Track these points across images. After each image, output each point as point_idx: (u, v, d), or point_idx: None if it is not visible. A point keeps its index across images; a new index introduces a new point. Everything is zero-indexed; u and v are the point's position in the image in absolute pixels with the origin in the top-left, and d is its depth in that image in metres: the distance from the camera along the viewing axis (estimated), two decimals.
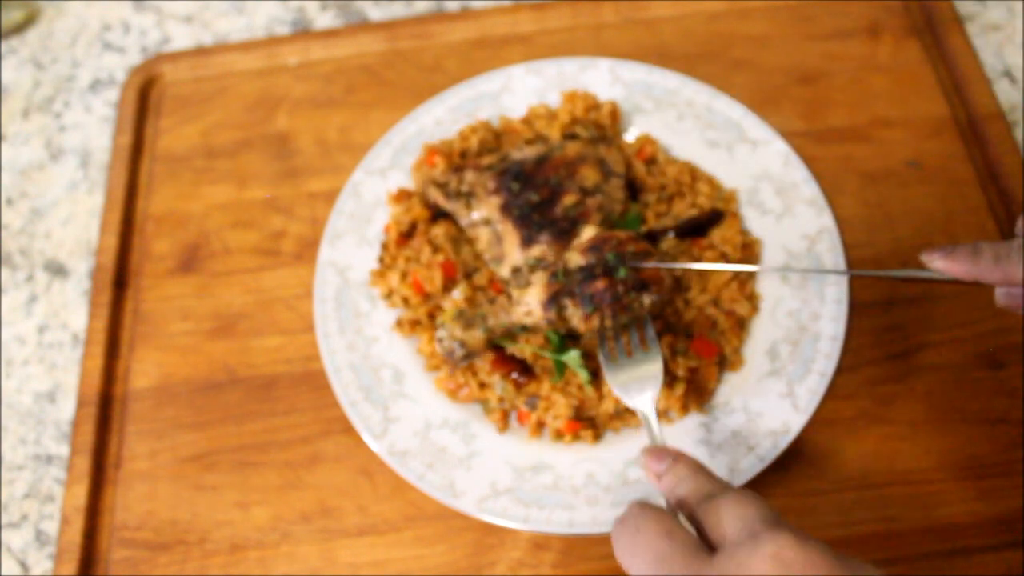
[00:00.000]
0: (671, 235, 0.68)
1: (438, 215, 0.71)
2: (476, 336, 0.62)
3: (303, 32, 0.87)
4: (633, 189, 0.71)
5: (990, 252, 0.48)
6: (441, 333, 0.62)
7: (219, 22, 0.89)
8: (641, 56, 0.79)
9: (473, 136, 0.74)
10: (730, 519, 0.37)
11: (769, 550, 0.34)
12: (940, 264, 0.50)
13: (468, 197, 0.68)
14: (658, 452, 0.45)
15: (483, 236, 0.68)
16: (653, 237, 0.68)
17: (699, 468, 0.43)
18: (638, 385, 0.57)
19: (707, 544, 0.38)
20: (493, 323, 0.62)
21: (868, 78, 0.77)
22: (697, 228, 0.68)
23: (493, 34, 0.83)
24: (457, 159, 0.72)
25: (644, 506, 0.40)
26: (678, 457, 0.44)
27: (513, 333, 0.63)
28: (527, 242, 0.65)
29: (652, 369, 0.57)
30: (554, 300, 0.61)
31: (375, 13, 0.87)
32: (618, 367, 0.57)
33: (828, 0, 0.81)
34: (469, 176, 0.69)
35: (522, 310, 0.62)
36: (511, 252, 0.66)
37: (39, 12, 0.92)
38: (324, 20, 0.88)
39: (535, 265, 0.64)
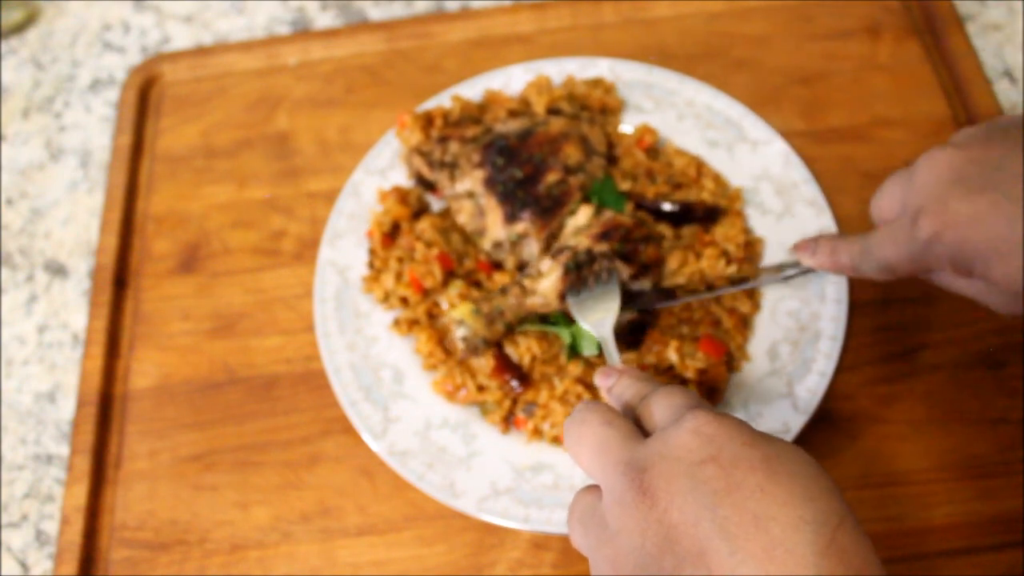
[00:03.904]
0: (667, 207, 0.68)
1: (420, 211, 0.71)
2: (496, 330, 0.63)
3: (303, 32, 0.87)
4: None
5: (845, 251, 0.56)
6: (463, 332, 0.62)
7: (219, 22, 0.89)
8: (641, 56, 0.79)
9: (456, 103, 0.74)
10: (660, 408, 0.42)
11: (690, 426, 0.38)
12: (807, 260, 0.61)
13: (452, 168, 0.68)
14: (607, 370, 0.50)
15: (465, 208, 0.68)
16: (645, 209, 0.69)
17: (641, 376, 0.48)
18: (599, 314, 0.61)
19: (646, 435, 0.42)
20: (511, 316, 0.63)
21: (868, 78, 0.77)
22: (691, 216, 0.69)
23: (493, 34, 0.83)
24: (439, 123, 0.72)
25: (590, 402, 0.44)
26: (623, 371, 0.49)
27: (526, 319, 0.65)
28: (510, 219, 0.66)
29: (610, 299, 0.62)
30: (570, 291, 0.62)
31: (375, 13, 0.87)
32: (581, 300, 0.62)
33: (828, 0, 0.81)
34: (453, 147, 0.69)
35: (538, 301, 0.63)
36: (493, 227, 0.66)
37: (39, 12, 0.92)
38: (324, 20, 0.88)
39: (517, 241, 0.66)
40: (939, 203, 0.47)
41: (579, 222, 0.65)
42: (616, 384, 0.48)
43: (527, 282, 0.64)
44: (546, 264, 0.63)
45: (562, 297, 0.63)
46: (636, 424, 0.43)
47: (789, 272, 0.65)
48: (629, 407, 0.46)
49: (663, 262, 0.66)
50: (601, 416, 0.42)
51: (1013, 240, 0.45)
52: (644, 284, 0.64)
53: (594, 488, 0.42)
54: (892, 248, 0.52)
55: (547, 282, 0.63)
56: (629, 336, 0.64)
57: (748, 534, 0.34)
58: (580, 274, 0.62)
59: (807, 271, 0.64)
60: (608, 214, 0.65)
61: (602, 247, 0.63)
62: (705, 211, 0.69)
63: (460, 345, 0.63)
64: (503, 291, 0.64)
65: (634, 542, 0.37)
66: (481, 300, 0.63)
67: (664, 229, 0.68)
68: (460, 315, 0.63)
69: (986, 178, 0.46)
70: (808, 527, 0.34)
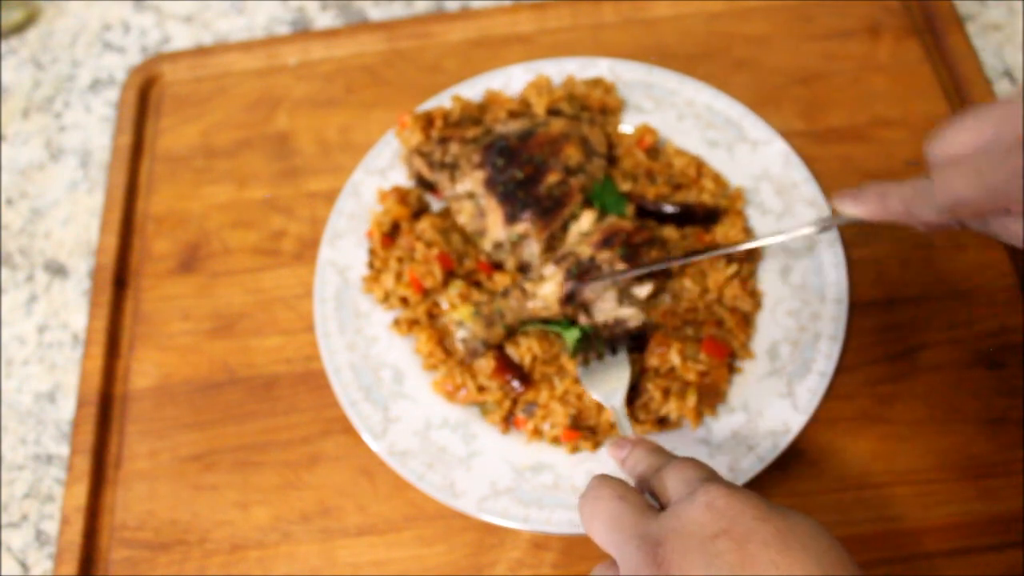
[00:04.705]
0: (667, 209, 0.68)
1: (420, 211, 0.71)
2: (497, 332, 0.63)
3: (303, 32, 0.87)
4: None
5: (896, 194, 0.51)
6: (463, 334, 0.63)
7: (219, 22, 0.89)
8: (641, 56, 0.79)
9: (456, 103, 0.74)
10: (673, 482, 0.42)
11: (703, 499, 0.38)
12: (851, 208, 0.53)
13: (452, 169, 0.68)
14: (620, 441, 0.51)
15: (466, 209, 0.68)
16: (647, 213, 0.69)
17: (654, 449, 0.48)
18: (609, 386, 0.61)
19: (661, 508, 0.42)
20: (511, 318, 0.63)
21: (868, 78, 0.77)
22: (691, 217, 0.69)
23: (493, 34, 0.83)
24: (439, 124, 0.73)
25: (604, 477, 0.44)
26: (636, 443, 0.49)
27: (527, 322, 0.65)
28: (511, 219, 0.66)
29: (619, 369, 0.62)
30: (571, 297, 0.63)
31: (375, 13, 0.87)
32: (591, 371, 0.62)
33: (828, 0, 0.81)
34: (454, 148, 0.70)
35: (538, 304, 0.63)
36: (494, 228, 0.66)
37: (39, 12, 0.92)
38: (324, 20, 0.88)
39: (518, 242, 0.66)
40: None
41: (582, 227, 0.65)
42: (629, 456, 0.49)
43: (528, 286, 0.64)
44: (549, 269, 0.64)
45: (563, 302, 0.63)
46: (651, 496, 0.44)
47: (826, 224, 0.58)
48: (643, 479, 0.46)
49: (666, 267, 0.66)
50: (614, 490, 0.42)
51: None
52: (647, 287, 0.64)
53: (611, 564, 0.42)
54: (971, 180, 0.46)
55: (548, 287, 0.63)
56: (631, 342, 0.64)
57: None
58: (583, 280, 0.63)
59: (848, 222, 0.55)
60: (609, 219, 0.65)
61: (604, 254, 0.63)
62: (705, 212, 0.69)
63: (460, 347, 0.63)
64: (504, 293, 0.64)
65: None
66: (482, 302, 0.63)
67: (669, 232, 0.68)
68: (460, 317, 0.63)
69: None
70: None
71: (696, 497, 0.39)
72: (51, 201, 0.80)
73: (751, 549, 0.36)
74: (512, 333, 0.65)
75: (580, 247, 0.64)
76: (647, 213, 0.69)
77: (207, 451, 0.66)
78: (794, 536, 0.36)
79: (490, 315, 0.63)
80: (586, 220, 0.65)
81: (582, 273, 0.63)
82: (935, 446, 0.61)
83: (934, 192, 0.48)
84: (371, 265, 0.70)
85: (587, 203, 0.67)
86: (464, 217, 0.69)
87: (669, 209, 0.69)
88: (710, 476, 0.42)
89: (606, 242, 0.63)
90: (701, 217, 0.69)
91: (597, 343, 0.63)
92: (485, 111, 0.75)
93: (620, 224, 0.64)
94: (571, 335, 0.64)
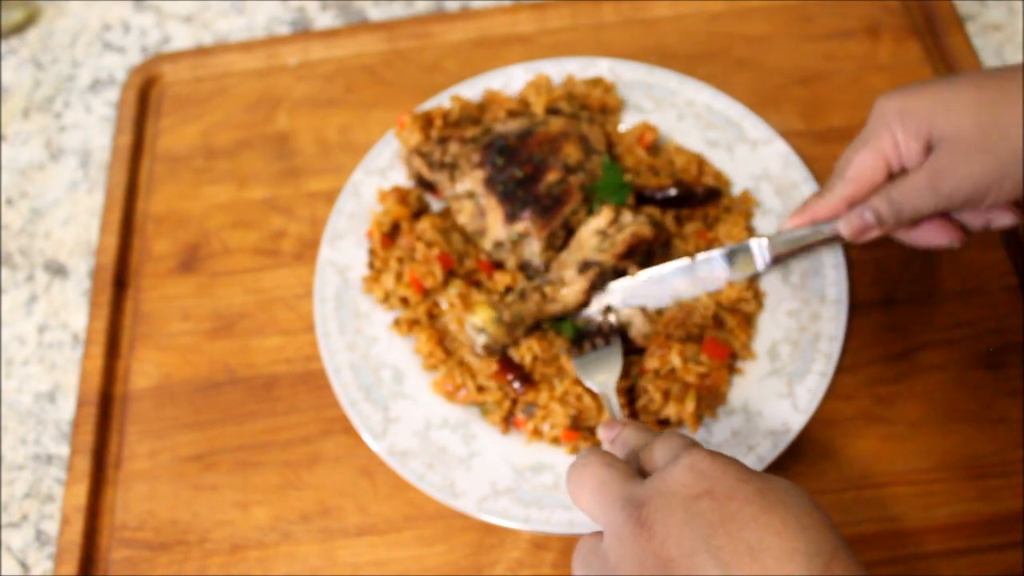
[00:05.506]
0: (671, 192, 0.69)
1: (420, 211, 0.71)
2: (516, 336, 0.64)
3: (303, 32, 0.87)
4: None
5: (813, 199, 0.60)
6: (484, 339, 0.62)
7: (219, 22, 0.89)
8: (641, 56, 0.79)
9: (455, 103, 0.74)
10: (660, 452, 0.43)
11: (686, 463, 0.39)
12: (789, 223, 0.61)
13: (452, 169, 0.68)
14: (610, 424, 0.52)
15: (466, 209, 0.68)
16: (645, 199, 0.69)
17: (642, 429, 0.50)
18: (601, 373, 0.62)
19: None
20: (529, 321, 0.64)
21: (868, 78, 0.77)
22: (692, 198, 0.69)
23: (493, 34, 0.83)
24: (439, 123, 0.73)
25: (593, 448, 0.45)
26: (625, 424, 0.51)
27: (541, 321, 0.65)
28: (511, 218, 0.66)
29: (612, 358, 0.63)
30: (575, 355, 0.64)
31: (375, 13, 0.87)
32: (586, 361, 0.63)
33: (828, 0, 0.81)
34: (453, 148, 0.70)
35: (557, 307, 0.64)
36: (494, 226, 0.66)
37: (39, 12, 0.92)
38: (324, 20, 0.88)
39: (518, 240, 0.66)
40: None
41: (599, 224, 0.65)
42: (618, 437, 0.50)
43: (548, 289, 0.64)
44: (570, 275, 0.64)
45: (581, 306, 0.64)
46: (638, 470, 0.45)
47: (775, 238, 0.62)
48: (632, 454, 0.47)
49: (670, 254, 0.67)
50: (601, 459, 0.43)
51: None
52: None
53: (596, 533, 0.43)
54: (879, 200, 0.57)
55: (570, 293, 0.63)
56: (626, 343, 0.64)
57: (742, 563, 0.35)
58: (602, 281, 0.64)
59: (791, 233, 0.61)
60: (629, 229, 0.64)
61: (627, 264, 0.64)
62: (706, 192, 0.69)
63: (480, 352, 0.63)
64: (522, 296, 0.64)
65: (632, 574, 0.38)
66: (501, 307, 0.63)
67: (669, 222, 0.68)
68: (481, 323, 0.62)
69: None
70: (802, 557, 0.35)
71: (679, 460, 0.40)
72: (51, 201, 0.80)
73: (732, 507, 0.37)
74: (527, 333, 0.65)
75: (603, 256, 0.64)
76: (647, 200, 0.69)
77: (207, 451, 0.66)
78: (775, 495, 0.37)
79: (511, 321, 0.63)
80: (603, 218, 0.65)
81: (604, 279, 0.64)
82: (935, 446, 0.61)
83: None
84: (371, 265, 0.70)
85: (601, 201, 0.67)
86: (464, 217, 0.69)
87: (671, 192, 0.68)
88: (693, 444, 0.43)
89: (629, 253, 0.64)
90: (702, 197, 0.69)
91: (593, 336, 0.64)
92: (485, 111, 0.75)
93: (642, 234, 0.64)
94: (568, 330, 0.65)
